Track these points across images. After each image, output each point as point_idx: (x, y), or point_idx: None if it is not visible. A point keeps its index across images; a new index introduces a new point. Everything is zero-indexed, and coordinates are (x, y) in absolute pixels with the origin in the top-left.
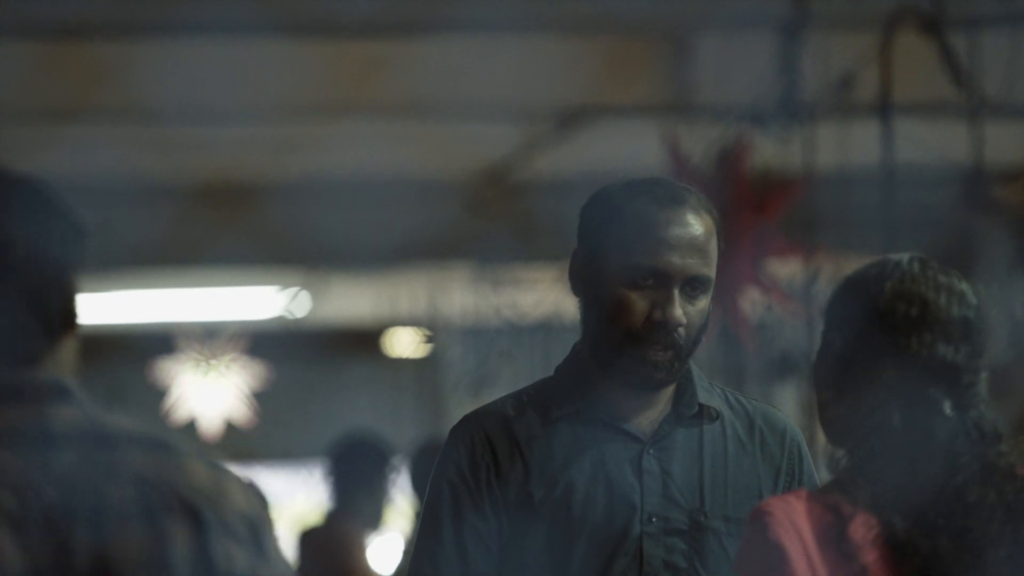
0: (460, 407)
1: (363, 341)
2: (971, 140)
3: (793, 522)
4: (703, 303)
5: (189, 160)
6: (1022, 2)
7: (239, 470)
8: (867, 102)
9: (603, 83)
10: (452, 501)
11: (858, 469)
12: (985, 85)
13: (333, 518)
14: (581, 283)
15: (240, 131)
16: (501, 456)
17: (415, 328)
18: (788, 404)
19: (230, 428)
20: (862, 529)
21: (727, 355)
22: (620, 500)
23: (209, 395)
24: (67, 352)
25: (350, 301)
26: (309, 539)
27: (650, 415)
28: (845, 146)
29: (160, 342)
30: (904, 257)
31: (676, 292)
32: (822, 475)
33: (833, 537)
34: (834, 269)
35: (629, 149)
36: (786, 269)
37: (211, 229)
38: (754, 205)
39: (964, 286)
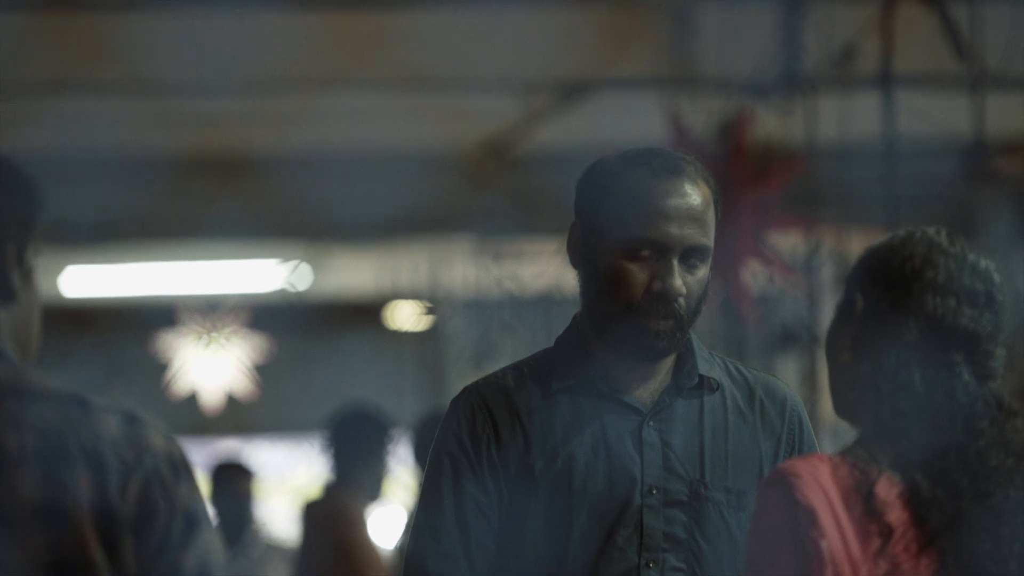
0: (461, 379)
1: (364, 314)
2: (972, 112)
3: (820, 483)
4: (702, 272)
5: (191, 132)
6: None
7: (240, 442)
8: (868, 74)
9: (604, 55)
10: (452, 473)
11: (880, 430)
12: (986, 56)
13: (333, 491)
14: (580, 256)
15: (242, 103)
16: (501, 427)
17: (416, 301)
18: (789, 376)
19: (231, 401)
20: (886, 489)
21: (728, 327)
22: (620, 472)
23: (210, 368)
24: (14, 312)
25: (351, 274)
26: (310, 512)
27: (650, 386)
28: (846, 118)
29: (162, 315)
30: (934, 229)
31: (675, 262)
32: (823, 445)
33: (859, 497)
34: (835, 241)
35: (630, 121)
36: (787, 241)
37: (213, 202)
38: (756, 177)
39: (988, 263)
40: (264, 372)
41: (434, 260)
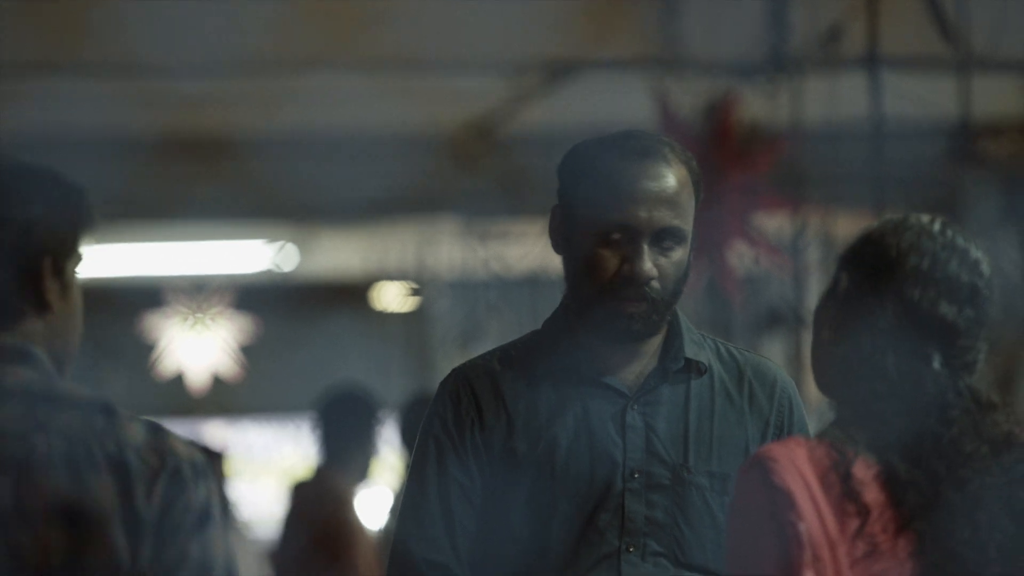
0: (447, 361)
1: (351, 295)
2: (958, 93)
3: (796, 466)
4: (678, 254)
5: (176, 113)
6: None
7: (224, 424)
8: (855, 55)
9: (590, 36)
10: (437, 456)
11: (857, 410)
12: (972, 38)
13: (322, 472)
14: (560, 239)
15: (228, 84)
16: (486, 411)
17: (402, 282)
18: (775, 357)
19: (217, 382)
20: (863, 469)
21: (714, 308)
22: (602, 455)
23: (196, 349)
24: (51, 322)
25: (337, 255)
26: (299, 493)
27: (635, 369)
28: (833, 99)
29: (148, 295)
30: (928, 216)
31: (645, 245)
32: (814, 425)
33: (836, 479)
34: (821, 222)
35: (616, 103)
36: (774, 222)
37: (198, 183)
38: (742, 158)
39: (980, 255)
40: (250, 353)
41: (420, 241)
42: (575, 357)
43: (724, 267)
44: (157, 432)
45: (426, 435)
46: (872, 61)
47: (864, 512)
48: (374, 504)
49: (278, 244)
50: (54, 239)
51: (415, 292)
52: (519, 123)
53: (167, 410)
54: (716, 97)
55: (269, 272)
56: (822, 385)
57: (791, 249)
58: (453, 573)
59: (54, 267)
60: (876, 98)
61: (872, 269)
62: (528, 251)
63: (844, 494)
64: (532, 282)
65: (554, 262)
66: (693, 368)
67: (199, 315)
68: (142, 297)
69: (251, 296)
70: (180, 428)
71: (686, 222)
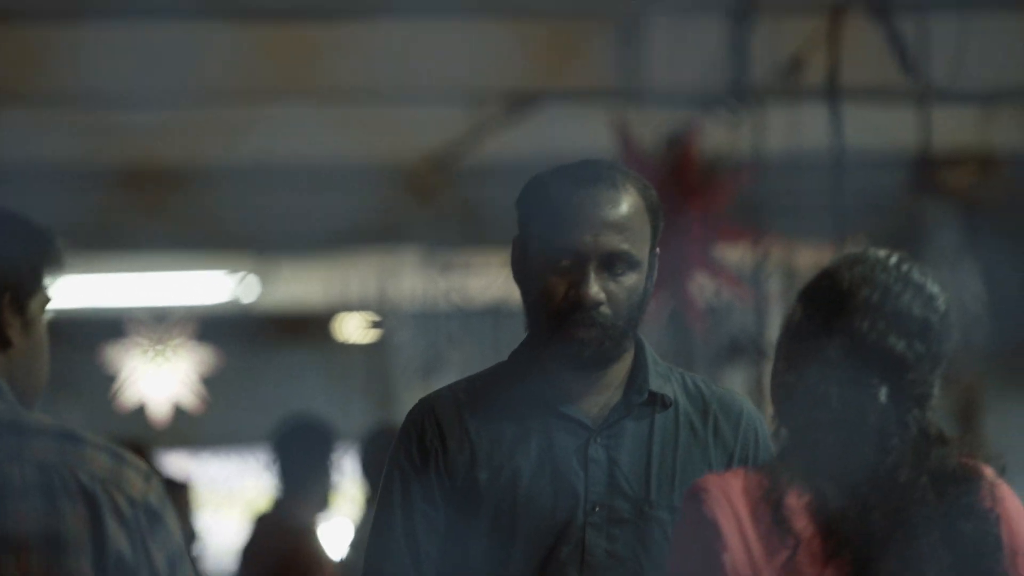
0: (409, 392)
1: (312, 326)
2: (918, 125)
3: (728, 497)
4: (631, 280)
5: (134, 144)
6: None
7: (186, 456)
8: (815, 86)
9: (551, 67)
10: (402, 486)
11: (798, 440)
12: (932, 70)
13: (281, 503)
14: (517, 270)
15: (187, 115)
16: (450, 442)
17: (364, 313)
18: (737, 388)
19: (179, 413)
20: (795, 499)
21: (676, 339)
22: (564, 488)
23: (157, 380)
24: (12, 357)
25: (299, 286)
26: (260, 525)
27: (599, 401)
28: (794, 130)
29: (109, 327)
30: (886, 251)
31: (591, 270)
32: None
33: (767, 510)
34: (783, 253)
35: (577, 133)
36: (735, 253)
37: (158, 214)
38: (703, 189)
39: (936, 290)
40: (211, 385)
41: (381, 272)
42: (539, 389)
43: (686, 297)
44: (120, 463)
45: (392, 465)
46: (832, 92)
47: (793, 542)
48: (334, 536)
49: (239, 275)
50: (14, 276)
51: (376, 323)
52: (479, 154)
53: (128, 442)
54: (677, 128)
55: (230, 303)
56: (776, 415)
57: (752, 280)
58: None
59: (13, 304)
60: (836, 129)
61: (824, 301)
62: (489, 282)
63: (774, 524)
64: (494, 313)
65: (516, 293)
66: (658, 401)
67: (160, 347)
68: (103, 328)
69: (212, 327)
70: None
71: (637, 247)
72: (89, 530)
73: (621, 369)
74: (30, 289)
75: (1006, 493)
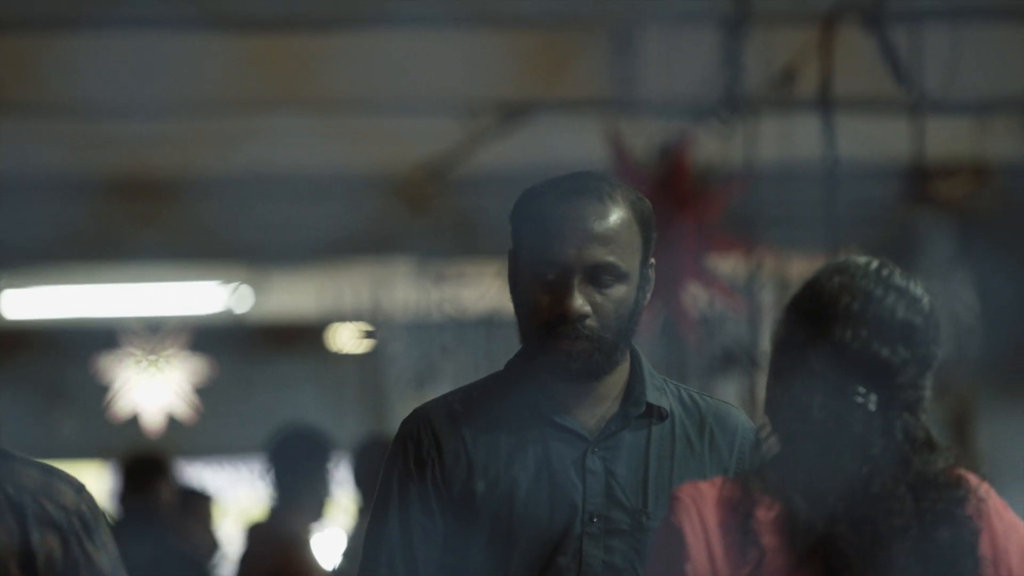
0: (402, 402)
1: (305, 336)
2: (912, 135)
3: (698, 507)
4: (620, 292)
5: (128, 154)
6: None
7: (179, 466)
8: (808, 97)
9: (544, 77)
10: (399, 498)
11: (778, 454)
12: (925, 80)
13: (276, 513)
14: (511, 283)
15: (180, 125)
16: (446, 451)
17: (357, 323)
18: (730, 399)
19: (172, 423)
20: (765, 511)
21: (669, 350)
22: (562, 499)
23: (151, 390)
24: None
25: (292, 296)
26: (254, 534)
27: (597, 413)
28: (786, 141)
29: (102, 337)
30: (866, 258)
31: (575, 283)
32: None
33: (737, 521)
34: (775, 263)
35: (571, 143)
36: (728, 264)
37: (152, 224)
38: (696, 200)
39: (920, 293)
40: (205, 395)
41: (375, 283)
42: (535, 400)
43: (679, 308)
44: (50, 477)
45: (388, 476)
46: (825, 102)
47: (758, 555)
48: (327, 545)
49: (232, 285)
50: None
51: (369, 334)
52: (473, 164)
53: (121, 452)
54: (670, 138)
55: (223, 314)
56: (765, 427)
57: (745, 290)
58: None
59: None
60: (829, 139)
61: (807, 312)
62: (483, 293)
63: (743, 536)
64: (487, 324)
65: (509, 304)
66: (655, 413)
67: (153, 357)
68: (96, 339)
69: (205, 338)
70: None
71: (625, 259)
72: (17, 539)
73: (617, 380)
74: None
75: (996, 508)
